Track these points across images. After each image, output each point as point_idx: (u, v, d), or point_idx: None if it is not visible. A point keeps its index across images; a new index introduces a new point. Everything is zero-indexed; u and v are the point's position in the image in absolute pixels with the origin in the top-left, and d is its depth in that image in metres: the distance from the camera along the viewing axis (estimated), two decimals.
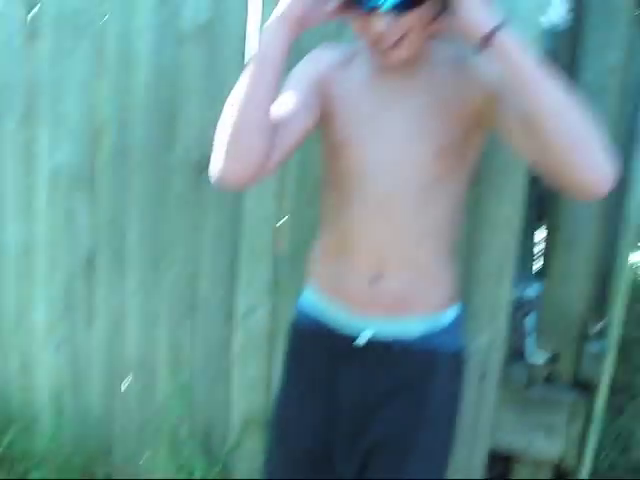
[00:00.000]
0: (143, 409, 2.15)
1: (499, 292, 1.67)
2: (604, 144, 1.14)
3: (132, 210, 2.00)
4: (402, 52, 1.28)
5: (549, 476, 1.82)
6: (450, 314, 1.45)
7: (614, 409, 3.27)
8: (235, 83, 1.72)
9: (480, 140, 1.41)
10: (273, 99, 1.26)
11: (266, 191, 1.82)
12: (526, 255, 3.80)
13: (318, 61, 1.44)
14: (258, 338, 1.91)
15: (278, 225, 1.84)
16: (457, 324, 1.47)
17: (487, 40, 1.14)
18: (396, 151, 1.35)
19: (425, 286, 1.41)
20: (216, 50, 1.82)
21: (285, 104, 1.34)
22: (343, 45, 1.49)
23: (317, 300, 1.49)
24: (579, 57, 1.63)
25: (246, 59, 1.77)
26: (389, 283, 1.38)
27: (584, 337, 1.70)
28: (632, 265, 5.60)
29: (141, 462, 2.17)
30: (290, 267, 1.83)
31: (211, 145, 1.82)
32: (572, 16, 1.81)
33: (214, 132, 1.83)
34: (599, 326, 1.69)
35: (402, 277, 1.38)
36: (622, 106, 1.66)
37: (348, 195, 1.40)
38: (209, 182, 1.85)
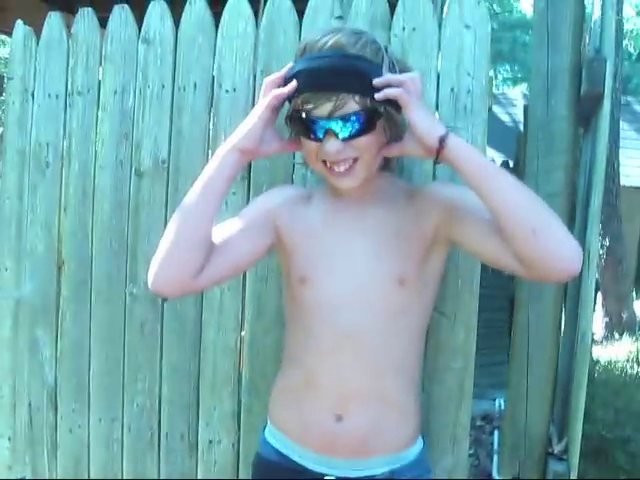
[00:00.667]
0: None
1: (459, 415, 1.68)
2: (564, 228, 1.21)
3: (95, 342, 2.00)
4: (356, 176, 1.34)
5: None
6: (415, 450, 1.45)
7: None
8: None
9: (439, 262, 1.45)
10: (212, 221, 1.33)
11: (226, 322, 1.83)
12: (501, 353, 3.82)
13: (275, 197, 1.50)
14: (223, 470, 1.88)
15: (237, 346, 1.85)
16: (422, 457, 1.47)
17: (442, 143, 1.23)
18: (357, 286, 1.38)
19: (391, 424, 1.41)
20: (175, 185, 1.87)
21: (231, 229, 1.39)
22: (301, 186, 1.54)
23: (280, 438, 1.47)
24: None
25: None
26: (353, 423, 1.38)
27: (547, 456, 1.70)
28: (609, 362, 5.68)
29: None
30: (251, 397, 1.82)
31: None
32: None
33: None
34: (562, 445, 1.69)
35: (367, 415, 1.38)
36: (569, 228, 1.72)
37: (309, 330, 1.41)
38: (170, 312, 1.89)
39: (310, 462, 1.42)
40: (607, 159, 1.74)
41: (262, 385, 1.71)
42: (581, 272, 1.67)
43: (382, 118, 1.30)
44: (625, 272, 6.97)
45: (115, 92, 1.94)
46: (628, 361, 5.78)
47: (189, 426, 1.90)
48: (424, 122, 1.25)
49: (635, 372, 5.52)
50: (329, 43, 1.27)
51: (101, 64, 1.97)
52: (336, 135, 1.29)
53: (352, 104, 1.27)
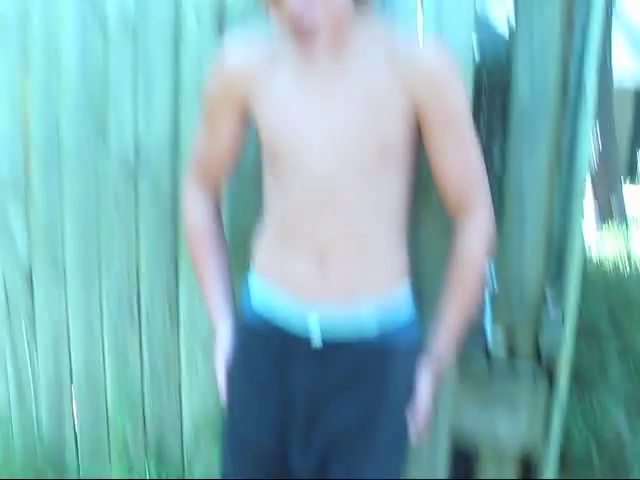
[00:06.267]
0: (92, 422, 2.06)
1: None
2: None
3: (68, 214, 1.91)
4: (315, 11, 1.18)
5: (514, 473, 1.73)
6: (401, 292, 1.40)
7: (585, 387, 3.18)
8: (163, 76, 1.69)
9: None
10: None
11: None
12: None
13: (229, 75, 1.37)
14: (206, 339, 1.80)
15: None
16: (413, 319, 1.43)
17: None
18: (334, 155, 1.29)
19: (373, 268, 1.36)
20: (143, 44, 1.75)
21: (211, 145, 1.46)
22: (257, 33, 1.37)
23: (263, 290, 1.41)
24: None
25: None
26: (334, 267, 1.32)
27: (542, 305, 1.64)
28: (599, 259, 5.65)
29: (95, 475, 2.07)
30: (235, 255, 1.74)
31: (145, 142, 1.74)
32: None
33: (147, 129, 1.75)
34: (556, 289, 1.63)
35: (348, 261, 1.33)
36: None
37: (285, 182, 1.35)
38: (144, 180, 1.79)
39: (293, 314, 1.36)
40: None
41: (245, 240, 1.59)
42: (577, 113, 1.59)
43: None
44: (615, 167, 6.93)
45: None
46: (620, 257, 5.74)
47: (169, 295, 1.84)
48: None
49: (626, 268, 5.49)
50: None
51: None
52: None
53: None
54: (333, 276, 1.33)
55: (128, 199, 1.84)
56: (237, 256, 1.61)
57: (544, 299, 1.64)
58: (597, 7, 1.53)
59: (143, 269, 1.86)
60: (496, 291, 1.64)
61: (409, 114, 1.29)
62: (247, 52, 1.35)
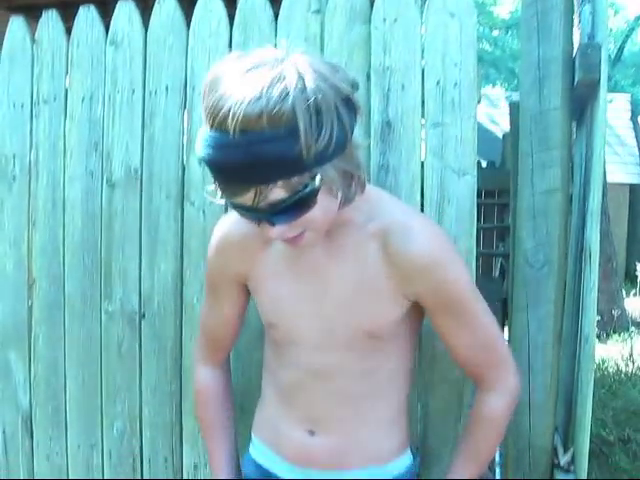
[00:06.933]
0: None
1: (459, 428, 1.57)
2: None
3: (70, 364, 1.88)
4: (308, 242, 1.20)
5: None
6: (401, 462, 1.39)
7: None
8: (167, 227, 1.68)
9: (421, 314, 1.38)
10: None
11: None
12: None
13: (226, 251, 1.39)
14: None
15: None
16: (411, 471, 1.41)
17: None
18: (325, 332, 1.31)
19: (370, 437, 1.36)
20: (149, 195, 1.77)
21: (215, 317, 1.47)
22: None
23: (262, 450, 1.45)
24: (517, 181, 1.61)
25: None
26: (326, 437, 1.34)
27: (554, 468, 1.61)
28: (602, 360, 5.61)
29: None
30: (238, 414, 1.72)
31: (148, 292, 1.76)
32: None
33: (150, 279, 1.77)
34: (568, 456, 1.60)
35: (341, 431, 1.35)
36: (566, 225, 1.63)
37: (281, 361, 1.39)
38: (148, 329, 1.79)
39: (288, 474, 1.38)
40: None
41: (247, 404, 1.60)
42: (582, 273, 1.59)
43: (322, 187, 1.10)
44: (615, 270, 6.93)
45: (83, 99, 1.83)
46: (622, 359, 5.71)
47: (173, 450, 1.79)
48: None
49: (630, 370, 5.45)
50: (230, 122, 1.01)
51: (68, 70, 1.86)
52: (271, 223, 1.13)
53: (276, 191, 1.07)
54: (322, 449, 1.35)
55: (131, 348, 1.81)
56: (244, 416, 1.60)
57: (555, 457, 1.62)
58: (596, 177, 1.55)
59: (145, 418, 1.82)
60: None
61: (404, 301, 1.29)
62: (244, 229, 1.32)
